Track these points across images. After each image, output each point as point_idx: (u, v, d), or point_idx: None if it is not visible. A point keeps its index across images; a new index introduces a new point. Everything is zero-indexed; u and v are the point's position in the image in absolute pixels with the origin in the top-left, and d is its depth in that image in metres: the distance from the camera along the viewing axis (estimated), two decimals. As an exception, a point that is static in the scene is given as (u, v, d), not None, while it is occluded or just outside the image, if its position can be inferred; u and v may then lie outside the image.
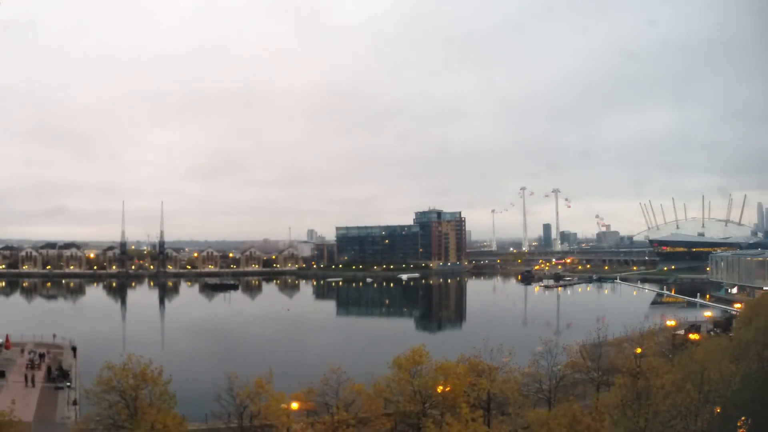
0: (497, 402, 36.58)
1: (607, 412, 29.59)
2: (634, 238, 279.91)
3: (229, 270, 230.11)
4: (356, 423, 32.51)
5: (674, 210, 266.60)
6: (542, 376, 42.16)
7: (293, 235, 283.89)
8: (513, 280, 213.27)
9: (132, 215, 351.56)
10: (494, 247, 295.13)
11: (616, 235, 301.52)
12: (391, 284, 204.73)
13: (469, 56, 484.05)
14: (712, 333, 65.58)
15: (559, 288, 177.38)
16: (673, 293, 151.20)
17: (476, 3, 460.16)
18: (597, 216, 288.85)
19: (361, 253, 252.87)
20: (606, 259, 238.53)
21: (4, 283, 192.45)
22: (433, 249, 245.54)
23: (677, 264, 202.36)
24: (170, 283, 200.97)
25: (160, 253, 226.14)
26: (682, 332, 64.92)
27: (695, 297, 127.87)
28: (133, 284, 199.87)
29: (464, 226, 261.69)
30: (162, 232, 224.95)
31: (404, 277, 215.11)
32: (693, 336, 60.69)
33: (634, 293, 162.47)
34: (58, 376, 53.19)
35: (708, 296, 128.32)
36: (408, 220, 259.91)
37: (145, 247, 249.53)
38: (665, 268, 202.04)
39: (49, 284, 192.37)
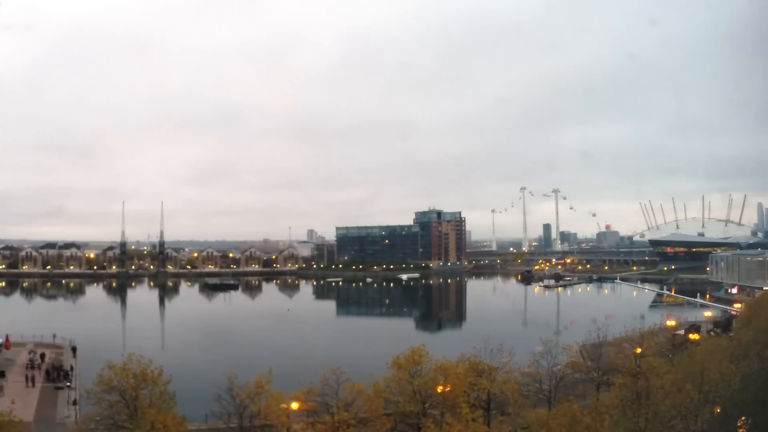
0: (497, 402, 36.58)
1: (607, 412, 29.57)
2: (634, 238, 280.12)
3: (229, 270, 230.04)
4: (356, 423, 32.46)
5: (674, 210, 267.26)
6: (542, 376, 42.21)
7: (293, 235, 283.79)
8: (513, 280, 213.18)
9: (132, 216, 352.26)
10: (494, 247, 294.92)
11: (616, 235, 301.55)
12: (391, 284, 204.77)
13: (469, 56, 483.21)
14: (712, 333, 65.63)
15: (559, 288, 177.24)
16: (673, 293, 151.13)
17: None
18: (595, 215, 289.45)
19: (361, 253, 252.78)
20: (606, 259, 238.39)
21: (4, 283, 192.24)
22: (433, 249, 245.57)
23: (677, 264, 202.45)
24: (170, 283, 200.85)
25: (160, 253, 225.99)
26: (682, 332, 64.85)
27: (695, 297, 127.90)
28: (133, 284, 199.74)
29: (464, 226, 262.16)
30: (162, 232, 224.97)
31: (404, 277, 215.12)
32: (693, 336, 60.72)
33: (634, 293, 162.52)
34: (58, 376, 53.17)
35: (708, 296, 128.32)
36: (408, 220, 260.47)
37: (145, 247, 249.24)
38: (665, 268, 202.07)
39: (49, 284, 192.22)
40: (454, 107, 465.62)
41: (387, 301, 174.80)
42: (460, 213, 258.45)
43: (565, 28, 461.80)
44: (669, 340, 55.91)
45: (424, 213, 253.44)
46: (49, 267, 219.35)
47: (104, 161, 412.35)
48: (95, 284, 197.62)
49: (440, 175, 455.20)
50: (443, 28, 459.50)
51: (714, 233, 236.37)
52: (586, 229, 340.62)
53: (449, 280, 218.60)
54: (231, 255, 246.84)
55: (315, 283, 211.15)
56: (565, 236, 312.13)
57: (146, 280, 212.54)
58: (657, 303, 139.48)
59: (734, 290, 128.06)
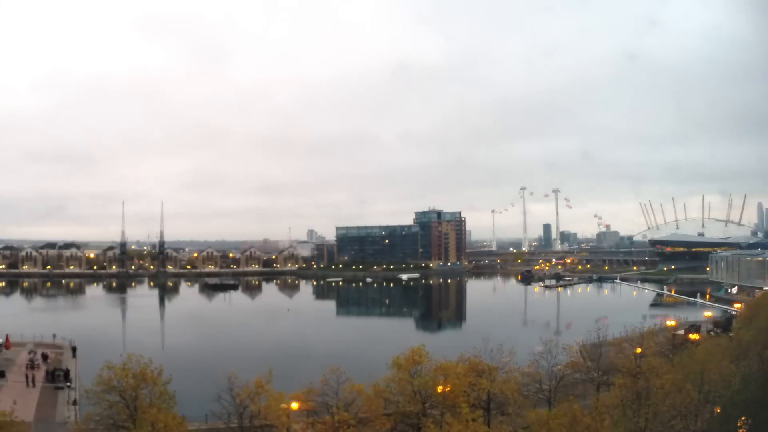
0: (497, 402, 36.54)
1: (607, 412, 29.59)
2: (634, 238, 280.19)
3: (229, 270, 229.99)
4: (356, 423, 32.43)
5: (674, 210, 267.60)
6: (542, 376, 42.17)
7: (293, 235, 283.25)
8: (513, 280, 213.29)
9: (132, 216, 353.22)
10: (494, 247, 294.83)
11: (616, 235, 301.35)
12: (391, 284, 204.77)
13: (470, 56, 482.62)
14: (712, 333, 65.58)
15: (559, 288, 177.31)
16: (673, 293, 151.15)
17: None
18: (596, 215, 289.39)
19: (361, 253, 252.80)
20: (606, 259, 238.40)
21: (4, 283, 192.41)
22: (433, 249, 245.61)
23: (677, 264, 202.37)
24: (170, 283, 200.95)
25: (160, 253, 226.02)
26: (682, 332, 64.97)
27: (695, 297, 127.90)
28: (133, 284, 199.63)
29: (464, 226, 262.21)
30: (162, 232, 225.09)
31: (404, 277, 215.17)
32: (693, 336, 60.75)
33: (634, 293, 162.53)
34: (58, 376, 53.13)
35: (708, 296, 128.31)
36: (408, 220, 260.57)
37: (145, 247, 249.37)
38: (665, 268, 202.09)
39: (49, 284, 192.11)
40: (454, 107, 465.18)
41: (387, 301, 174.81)
42: (460, 213, 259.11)
43: (566, 28, 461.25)
44: (669, 340, 56.03)
45: (424, 213, 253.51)
46: (49, 267, 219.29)
47: (104, 169, 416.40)
48: (95, 284, 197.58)
49: (440, 175, 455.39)
50: (443, 28, 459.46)
51: (714, 233, 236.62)
52: (586, 229, 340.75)
53: (449, 280, 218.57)
54: (231, 255, 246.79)
55: (315, 283, 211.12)
56: (565, 236, 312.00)
57: (146, 280, 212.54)
58: (657, 303, 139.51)
59: (734, 290, 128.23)
